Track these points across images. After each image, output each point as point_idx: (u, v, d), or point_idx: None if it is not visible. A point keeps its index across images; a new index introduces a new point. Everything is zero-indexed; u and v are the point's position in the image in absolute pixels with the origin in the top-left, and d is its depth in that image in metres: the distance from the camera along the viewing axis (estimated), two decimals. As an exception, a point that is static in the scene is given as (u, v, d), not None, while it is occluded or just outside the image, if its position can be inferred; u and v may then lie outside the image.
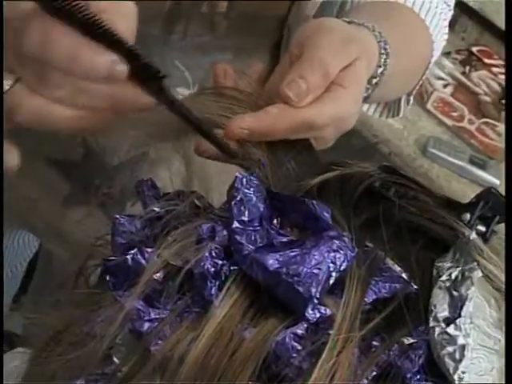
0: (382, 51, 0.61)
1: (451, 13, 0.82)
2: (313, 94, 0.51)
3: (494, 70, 1.80)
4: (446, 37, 0.81)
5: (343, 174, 0.45)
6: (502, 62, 1.81)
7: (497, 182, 1.47)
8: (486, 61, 1.81)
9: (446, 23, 0.81)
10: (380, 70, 0.61)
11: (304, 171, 0.47)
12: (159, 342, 0.38)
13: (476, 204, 0.43)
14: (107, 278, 0.41)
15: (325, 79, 0.52)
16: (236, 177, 0.40)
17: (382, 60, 0.61)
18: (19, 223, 0.98)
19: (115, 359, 0.39)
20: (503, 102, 1.70)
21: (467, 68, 1.78)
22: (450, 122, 1.59)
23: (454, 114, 1.62)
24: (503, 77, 1.76)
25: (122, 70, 0.40)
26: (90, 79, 0.42)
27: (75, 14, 0.38)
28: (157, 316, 0.39)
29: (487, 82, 1.77)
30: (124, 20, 0.42)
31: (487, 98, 1.71)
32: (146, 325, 0.39)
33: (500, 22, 1.78)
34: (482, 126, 1.62)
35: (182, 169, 0.53)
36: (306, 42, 0.54)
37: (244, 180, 0.40)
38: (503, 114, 1.66)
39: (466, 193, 1.47)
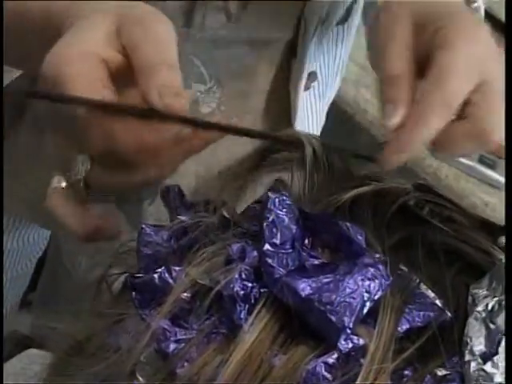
0: None
1: None
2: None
3: (504, 67, 1.78)
4: None
5: (378, 189, 0.44)
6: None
7: (506, 182, 1.46)
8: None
9: None
10: None
11: (337, 183, 0.45)
12: (185, 364, 0.37)
13: (512, 228, 0.42)
14: (133, 295, 0.40)
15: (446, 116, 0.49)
16: (268, 197, 0.39)
17: None
18: (31, 217, 0.96)
19: (139, 377, 0.38)
20: None
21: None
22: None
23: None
24: None
25: None
26: None
27: None
28: (183, 336, 0.38)
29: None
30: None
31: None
32: (172, 346, 0.38)
33: (500, 13, 1.77)
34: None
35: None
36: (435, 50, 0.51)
37: (277, 200, 0.39)
38: None
39: (474, 192, 1.46)
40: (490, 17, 1.73)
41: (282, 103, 0.84)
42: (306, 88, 0.83)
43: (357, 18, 0.85)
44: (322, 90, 0.87)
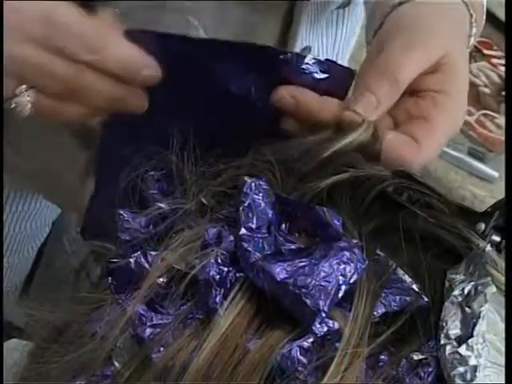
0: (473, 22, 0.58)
1: None
2: (383, 106, 0.50)
3: (494, 61, 1.78)
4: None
5: (356, 176, 0.44)
6: (501, 53, 1.80)
7: (495, 174, 1.46)
8: (486, 52, 1.80)
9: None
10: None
11: (315, 171, 0.45)
12: (161, 349, 0.37)
13: (491, 214, 0.42)
14: (109, 280, 0.40)
15: (395, 88, 0.50)
16: (244, 181, 0.39)
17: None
18: (43, 194, 0.97)
19: (116, 363, 0.38)
20: (502, 93, 1.69)
21: (467, 59, 1.76)
22: (449, 113, 1.58)
23: (454, 105, 1.60)
24: (503, 68, 1.75)
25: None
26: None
27: None
28: (159, 321, 0.38)
29: (487, 73, 1.75)
30: None
31: (486, 90, 1.70)
32: (148, 331, 0.38)
33: (501, 13, 1.77)
34: (481, 118, 1.61)
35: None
36: (383, 43, 0.52)
37: (253, 185, 0.39)
38: (503, 105, 1.65)
39: (463, 184, 1.46)
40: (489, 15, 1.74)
41: None
42: None
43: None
44: None
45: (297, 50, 0.80)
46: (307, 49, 0.81)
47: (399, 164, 0.47)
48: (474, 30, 0.58)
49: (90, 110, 0.53)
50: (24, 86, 0.51)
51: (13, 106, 0.52)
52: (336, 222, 0.39)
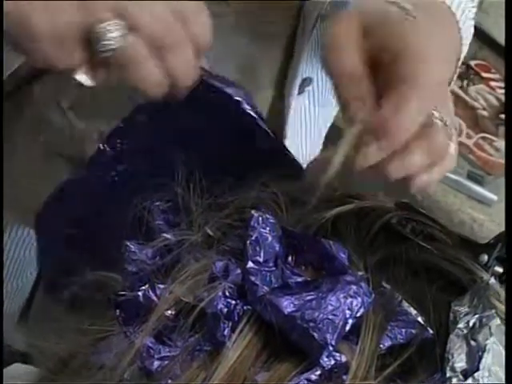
0: None
1: (475, 10, 0.79)
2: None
3: (492, 84, 1.79)
4: (470, 37, 0.77)
5: (360, 207, 0.45)
6: (499, 76, 1.81)
7: (494, 197, 1.47)
8: (484, 75, 1.81)
9: (472, 22, 0.78)
10: None
11: (319, 202, 0.46)
12: (169, 381, 0.37)
13: (494, 245, 0.43)
14: (117, 312, 0.40)
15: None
16: (252, 215, 0.39)
17: None
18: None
19: (123, 395, 0.39)
20: (501, 116, 1.70)
21: (465, 82, 1.77)
22: (448, 136, 1.58)
23: (452, 128, 1.61)
24: (501, 91, 1.76)
25: None
26: None
27: None
28: (167, 354, 0.38)
29: (485, 96, 1.76)
30: None
31: (485, 113, 1.71)
32: (156, 363, 0.38)
33: (498, 35, 1.78)
34: (480, 141, 1.62)
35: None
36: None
37: (260, 219, 0.39)
38: (501, 128, 1.66)
39: (462, 208, 1.47)
40: (478, 31, 1.75)
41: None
42: (300, 92, 0.83)
43: None
44: (319, 96, 0.86)
45: (297, 81, 0.80)
46: (307, 80, 0.82)
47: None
48: None
49: (164, 80, 0.50)
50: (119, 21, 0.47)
51: (103, 42, 0.47)
52: (342, 254, 0.39)
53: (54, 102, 0.76)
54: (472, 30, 0.77)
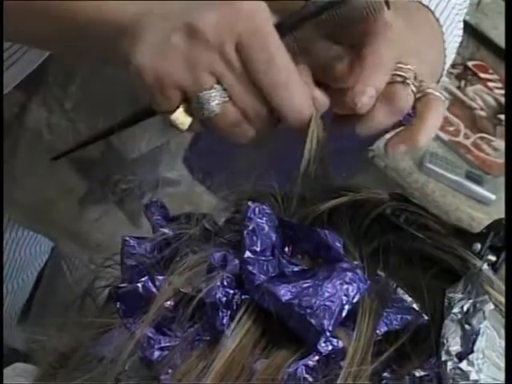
0: None
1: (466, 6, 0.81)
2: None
3: (490, 84, 1.80)
4: (459, 39, 0.79)
5: (354, 199, 0.45)
6: (497, 77, 1.81)
7: (492, 197, 1.48)
8: (482, 75, 1.82)
9: (461, 18, 0.78)
10: None
11: (315, 195, 0.46)
12: (169, 370, 0.38)
13: (486, 234, 0.43)
14: (117, 305, 0.41)
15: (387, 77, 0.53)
16: (248, 206, 0.40)
17: None
18: (35, 225, 0.97)
19: (124, 386, 0.39)
20: (499, 116, 1.70)
21: (462, 82, 1.78)
22: (445, 137, 1.59)
23: (450, 128, 1.62)
24: (499, 91, 1.77)
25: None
26: None
27: None
28: (167, 344, 0.39)
29: (483, 96, 1.77)
30: None
31: (483, 113, 1.71)
32: (157, 353, 0.39)
33: (496, 36, 1.79)
34: (478, 141, 1.63)
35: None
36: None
37: (256, 209, 0.40)
38: (499, 128, 1.66)
39: (460, 207, 1.47)
40: (476, 32, 1.76)
41: None
42: None
43: None
44: None
45: None
46: None
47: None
48: None
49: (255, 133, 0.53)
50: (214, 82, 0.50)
51: (204, 109, 0.50)
52: (337, 244, 0.40)
53: (58, 104, 0.77)
54: (460, 33, 0.78)
